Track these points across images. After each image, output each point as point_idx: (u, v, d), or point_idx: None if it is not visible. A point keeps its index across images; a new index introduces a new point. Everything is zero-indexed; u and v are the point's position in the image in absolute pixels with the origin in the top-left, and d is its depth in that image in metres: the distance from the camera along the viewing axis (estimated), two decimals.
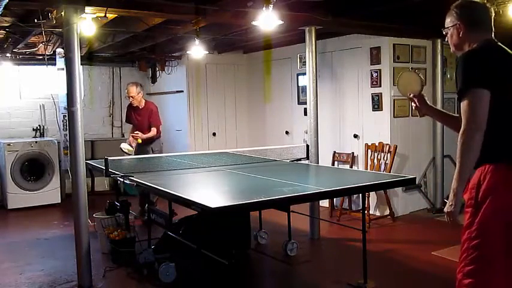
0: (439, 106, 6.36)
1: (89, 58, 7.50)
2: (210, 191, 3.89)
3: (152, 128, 6.13)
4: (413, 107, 2.73)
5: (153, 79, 8.77)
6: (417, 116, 2.76)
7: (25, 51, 6.86)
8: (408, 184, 4.89)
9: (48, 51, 6.60)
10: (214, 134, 8.18)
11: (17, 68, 7.59)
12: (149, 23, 5.18)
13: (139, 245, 4.57)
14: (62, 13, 3.89)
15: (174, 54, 7.87)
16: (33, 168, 7.24)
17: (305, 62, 5.40)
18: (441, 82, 6.38)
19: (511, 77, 2.23)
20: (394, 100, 6.04)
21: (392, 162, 5.85)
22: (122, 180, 4.20)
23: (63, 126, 6.68)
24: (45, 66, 6.65)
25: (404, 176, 4.22)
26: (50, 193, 7.28)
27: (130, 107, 6.37)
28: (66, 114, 4.34)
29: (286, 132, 7.56)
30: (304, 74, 5.53)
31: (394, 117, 6.08)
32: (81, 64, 4.01)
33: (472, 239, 2.19)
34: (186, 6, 4.54)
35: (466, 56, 2.26)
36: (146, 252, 4.32)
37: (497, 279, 2.16)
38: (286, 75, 7.51)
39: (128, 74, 8.74)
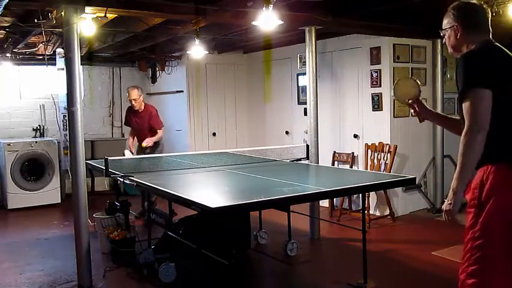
0: (439, 106, 6.37)
1: (89, 58, 7.49)
2: (210, 191, 3.89)
3: (159, 131, 6.17)
4: (413, 113, 2.72)
5: (153, 79, 8.77)
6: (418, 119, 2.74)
7: (25, 51, 6.87)
8: (408, 184, 4.89)
9: (48, 51, 6.60)
10: (214, 134, 8.18)
11: (17, 68, 7.59)
12: (149, 23, 5.18)
13: (139, 245, 4.57)
14: (62, 13, 3.89)
15: (174, 54, 7.87)
16: (33, 168, 7.24)
17: (305, 62, 5.41)
18: (441, 82, 6.38)
19: (511, 77, 2.24)
20: (394, 100, 6.03)
21: (392, 162, 5.85)
22: (122, 180, 4.20)
23: (63, 126, 6.68)
24: (45, 66, 6.65)
25: (404, 176, 4.23)
26: (50, 193, 7.28)
27: (130, 110, 6.37)
28: (66, 114, 4.33)
29: (286, 132, 7.56)
30: (304, 74, 5.53)
31: (394, 117, 6.08)
32: (81, 64, 4.01)
33: (475, 239, 2.19)
34: (186, 6, 4.54)
35: (466, 56, 2.26)
36: (146, 252, 4.32)
37: (498, 279, 2.16)
38: (286, 75, 7.51)
39: (128, 74, 8.75)
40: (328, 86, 6.64)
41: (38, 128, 7.92)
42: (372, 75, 6.17)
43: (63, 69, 4.65)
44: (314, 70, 5.24)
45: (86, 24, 4.23)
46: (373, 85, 6.17)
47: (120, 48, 7.23)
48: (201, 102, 8.06)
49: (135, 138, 6.40)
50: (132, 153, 6.18)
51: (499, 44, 2.32)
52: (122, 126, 8.61)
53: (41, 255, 4.96)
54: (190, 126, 7.98)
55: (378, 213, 6.16)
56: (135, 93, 6.15)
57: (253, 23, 4.27)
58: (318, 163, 5.28)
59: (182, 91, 8.00)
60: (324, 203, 6.23)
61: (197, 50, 5.61)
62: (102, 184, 8.25)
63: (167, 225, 4.19)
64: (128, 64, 8.66)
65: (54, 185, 7.31)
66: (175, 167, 4.84)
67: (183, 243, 4.13)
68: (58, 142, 7.31)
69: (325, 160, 6.24)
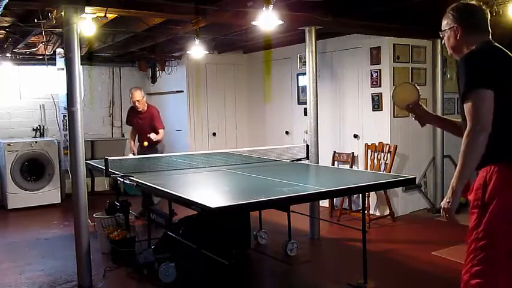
0: (439, 106, 6.37)
1: (89, 58, 7.49)
2: (210, 191, 3.89)
3: (160, 131, 6.20)
4: (413, 118, 2.70)
5: (153, 79, 8.77)
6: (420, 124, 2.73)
7: (25, 51, 6.87)
8: (408, 184, 4.88)
9: (48, 51, 6.60)
10: (214, 134, 8.18)
11: (17, 68, 7.59)
12: (149, 23, 5.18)
13: (139, 245, 4.58)
14: (62, 13, 3.89)
15: (174, 54, 7.87)
16: (33, 168, 7.24)
17: (305, 62, 5.41)
18: (441, 82, 6.38)
19: (511, 77, 2.24)
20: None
21: (392, 162, 5.85)
22: (122, 180, 4.20)
23: (63, 126, 6.68)
24: (45, 66, 6.65)
25: (404, 176, 4.22)
26: (50, 193, 7.28)
27: (132, 110, 6.40)
28: (66, 114, 4.33)
29: (286, 132, 7.56)
30: (304, 74, 5.53)
31: (394, 117, 6.08)
32: (81, 64, 4.01)
33: (479, 239, 2.18)
34: (186, 6, 4.54)
35: (467, 57, 2.26)
36: (146, 252, 4.32)
37: (502, 280, 2.16)
38: (286, 75, 7.51)
39: (128, 74, 8.75)
40: (328, 86, 6.64)
41: (38, 128, 7.92)
42: (372, 75, 6.17)
43: (63, 69, 4.65)
44: (314, 70, 5.24)
45: (86, 24, 4.24)
46: (373, 85, 6.17)
47: (120, 48, 7.23)
48: (201, 102, 8.06)
49: (136, 138, 6.42)
50: (134, 154, 6.19)
51: (499, 45, 2.32)
52: (122, 126, 8.61)
53: (41, 255, 4.96)
54: (190, 126, 7.98)
55: (378, 213, 6.16)
56: (138, 95, 6.18)
57: (253, 23, 4.27)
58: (318, 163, 5.28)
59: (182, 91, 8.00)
60: (324, 203, 6.23)
61: (197, 50, 5.61)
62: (102, 184, 8.25)
63: (167, 225, 4.19)
64: (128, 64, 8.66)
65: (54, 185, 7.31)
66: (175, 167, 4.84)
67: (183, 243, 4.13)
68: (58, 142, 7.32)
69: (325, 160, 6.24)
